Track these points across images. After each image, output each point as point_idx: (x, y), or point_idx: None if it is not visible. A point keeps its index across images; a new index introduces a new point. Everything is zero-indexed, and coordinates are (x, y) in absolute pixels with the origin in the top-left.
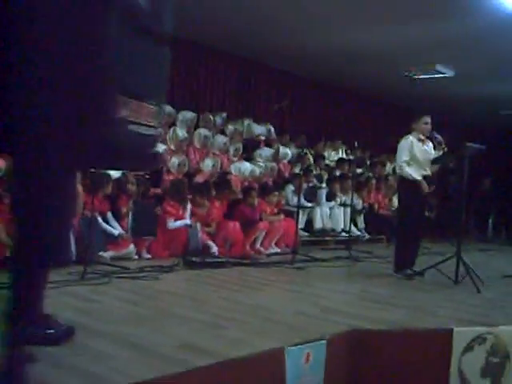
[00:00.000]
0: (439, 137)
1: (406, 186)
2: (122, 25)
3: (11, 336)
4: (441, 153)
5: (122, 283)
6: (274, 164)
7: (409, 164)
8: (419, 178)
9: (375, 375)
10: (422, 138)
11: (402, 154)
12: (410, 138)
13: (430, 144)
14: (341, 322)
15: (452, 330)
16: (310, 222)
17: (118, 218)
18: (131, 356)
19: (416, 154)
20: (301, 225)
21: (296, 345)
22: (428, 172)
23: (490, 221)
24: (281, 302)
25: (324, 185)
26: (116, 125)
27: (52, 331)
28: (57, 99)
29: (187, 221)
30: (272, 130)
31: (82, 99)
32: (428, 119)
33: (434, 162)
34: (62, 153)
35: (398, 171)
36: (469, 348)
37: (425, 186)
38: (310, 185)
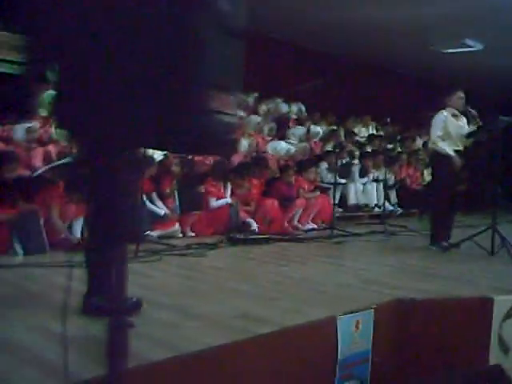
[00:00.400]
0: (473, 111)
1: (440, 160)
2: (211, 24)
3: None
4: (475, 127)
5: (171, 260)
6: (306, 144)
7: (442, 139)
8: (452, 153)
9: (419, 341)
10: (456, 113)
11: (436, 129)
12: (444, 113)
13: (464, 119)
14: (384, 293)
15: (493, 298)
16: (343, 198)
17: (163, 198)
18: (196, 325)
19: (449, 129)
20: (335, 201)
21: (346, 313)
22: (460, 147)
23: None
24: (324, 274)
25: (356, 161)
26: (207, 115)
27: (134, 305)
28: (154, 91)
29: (228, 199)
30: (303, 108)
31: (178, 93)
32: (462, 94)
33: (469, 136)
34: (160, 140)
35: (431, 146)
36: (509, 315)
37: (457, 161)
38: (344, 161)
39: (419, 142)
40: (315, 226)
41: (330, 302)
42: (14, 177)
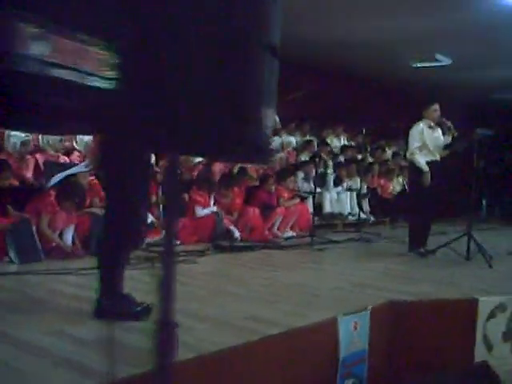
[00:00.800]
0: (449, 123)
1: (417, 171)
2: (268, 44)
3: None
4: (450, 138)
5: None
6: (282, 153)
7: (420, 150)
8: (426, 169)
9: (411, 340)
10: (432, 124)
11: (414, 141)
12: (421, 125)
13: (440, 130)
14: (374, 295)
15: (477, 299)
16: (318, 207)
17: (148, 206)
18: (208, 327)
19: (426, 141)
20: (310, 209)
21: (345, 315)
22: (437, 157)
23: (484, 201)
24: (314, 279)
25: (331, 170)
26: (261, 128)
27: (138, 308)
28: (221, 106)
29: (214, 208)
30: (277, 119)
31: (240, 108)
32: (437, 107)
33: (446, 147)
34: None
35: (409, 157)
36: (492, 315)
37: (427, 180)
38: (319, 171)
39: (389, 153)
40: (294, 234)
41: (325, 305)
42: (5, 186)
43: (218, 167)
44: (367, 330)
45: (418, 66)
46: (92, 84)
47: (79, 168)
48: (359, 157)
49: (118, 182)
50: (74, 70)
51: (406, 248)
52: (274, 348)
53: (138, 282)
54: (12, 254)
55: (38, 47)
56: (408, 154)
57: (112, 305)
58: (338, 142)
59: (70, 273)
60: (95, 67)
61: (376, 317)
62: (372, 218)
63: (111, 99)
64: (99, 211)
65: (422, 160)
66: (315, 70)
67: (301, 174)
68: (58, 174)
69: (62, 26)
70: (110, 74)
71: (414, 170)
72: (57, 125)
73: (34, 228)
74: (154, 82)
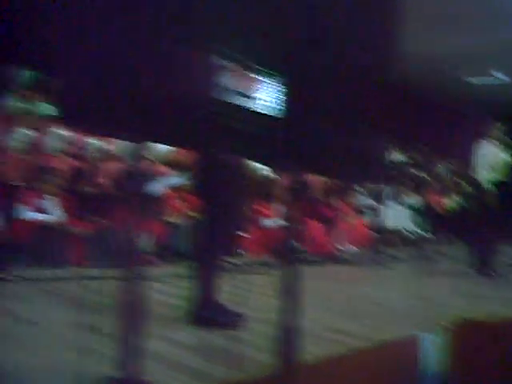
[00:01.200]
0: (510, 141)
1: (481, 190)
2: None
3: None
4: None
5: (236, 277)
6: None
7: (484, 168)
8: (488, 185)
9: (486, 358)
10: (495, 142)
11: (478, 159)
12: (485, 143)
13: (502, 148)
14: (447, 313)
15: None
16: (376, 222)
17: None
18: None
19: (489, 159)
20: (369, 225)
21: (424, 331)
22: (500, 176)
23: None
24: (385, 295)
25: (388, 186)
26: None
27: (233, 317)
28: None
29: (278, 220)
30: None
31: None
32: (499, 125)
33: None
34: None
35: (473, 175)
36: None
37: (490, 199)
38: (376, 186)
39: (443, 169)
40: (355, 249)
41: (402, 321)
42: (85, 194)
43: (281, 180)
44: (445, 347)
45: (476, 82)
46: (260, 110)
47: (179, 180)
48: (414, 172)
49: (218, 195)
50: (249, 97)
51: (468, 266)
52: (361, 360)
53: (230, 291)
54: (95, 259)
55: (228, 78)
56: (472, 173)
57: (207, 313)
58: (393, 157)
59: (155, 280)
60: (264, 95)
61: (453, 334)
62: (429, 235)
63: (274, 125)
64: (176, 220)
65: (485, 178)
66: None
67: (360, 189)
68: (157, 183)
69: (243, 58)
70: (277, 102)
71: (477, 187)
72: (227, 145)
73: (114, 234)
74: (311, 116)
